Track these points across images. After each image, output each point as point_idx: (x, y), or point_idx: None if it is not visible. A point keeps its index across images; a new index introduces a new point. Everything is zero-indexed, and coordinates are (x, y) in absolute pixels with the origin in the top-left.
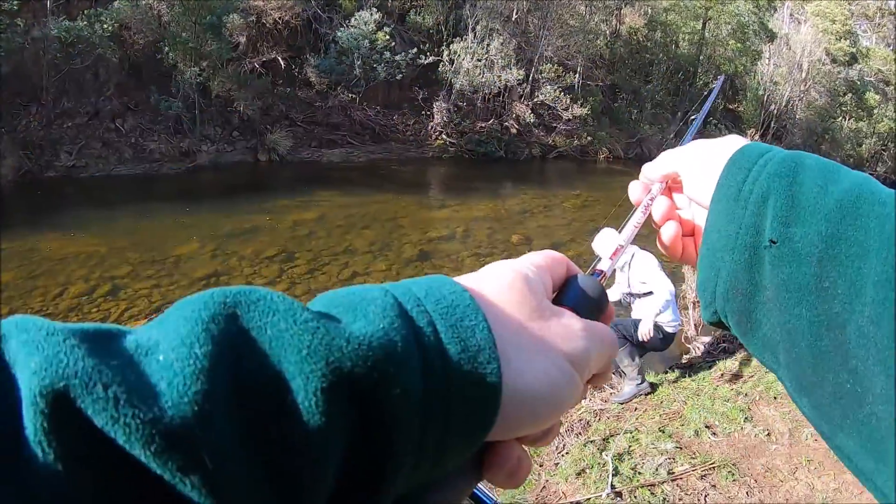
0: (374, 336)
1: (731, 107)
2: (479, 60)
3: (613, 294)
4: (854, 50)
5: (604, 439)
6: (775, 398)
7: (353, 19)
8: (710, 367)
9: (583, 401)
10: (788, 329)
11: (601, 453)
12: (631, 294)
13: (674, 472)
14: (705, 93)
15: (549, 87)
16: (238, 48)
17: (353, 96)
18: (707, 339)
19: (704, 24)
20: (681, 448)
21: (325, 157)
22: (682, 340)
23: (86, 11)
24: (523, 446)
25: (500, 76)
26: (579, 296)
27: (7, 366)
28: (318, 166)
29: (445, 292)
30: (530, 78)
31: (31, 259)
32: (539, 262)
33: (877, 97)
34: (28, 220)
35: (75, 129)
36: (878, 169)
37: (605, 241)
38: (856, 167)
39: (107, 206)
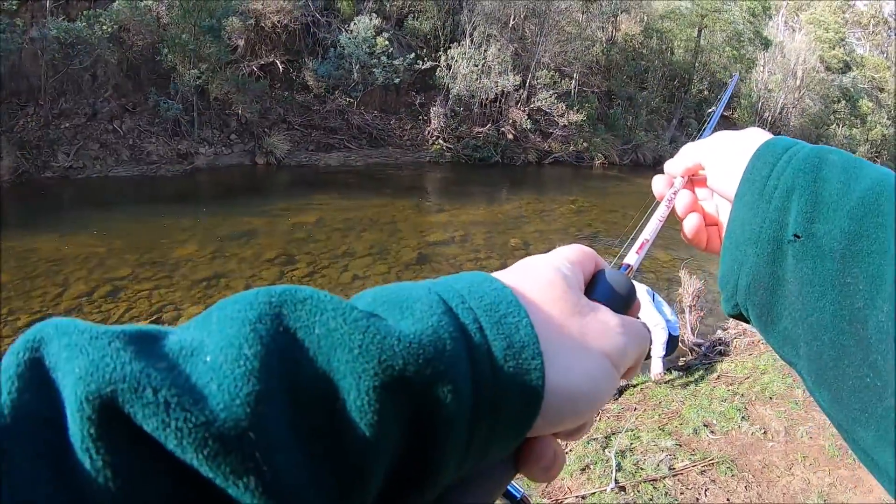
0: (424, 334)
1: (725, 114)
2: (476, 66)
3: None
4: (848, 57)
5: (606, 437)
6: (771, 398)
7: (351, 24)
8: (707, 370)
9: None
10: (810, 323)
11: (604, 450)
12: None
13: (674, 468)
14: (719, 93)
15: (545, 93)
16: (237, 51)
17: (351, 100)
18: (703, 342)
19: (700, 31)
20: (680, 445)
21: (322, 160)
22: (679, 344)
23: (85, 12)
24: (558, 441)
25: (496, 82)
26: (610, 290)
27: (48, 371)
28: (316, 170)
29: (487, 289)
30: (527, 84)
31: (29, 260)
32: (572, 257)
33: (870, 104)
34: (25, 221)
35: (73, 129)
36: None
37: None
38: None
39: (105, 208)
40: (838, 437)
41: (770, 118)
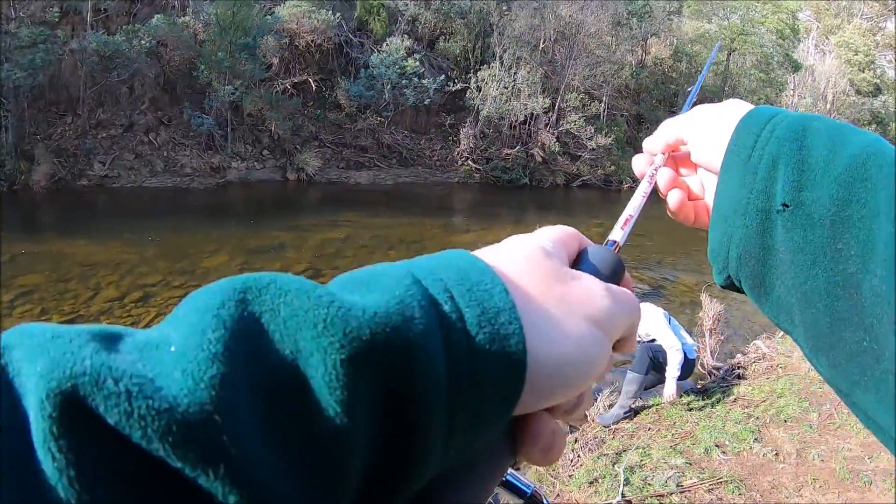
0: (391, 304)
1: None
2: (506, 88)
3: None
4: (878, 80)
5: (616, 454)
6: (785, 421)
7: (384, 45)
8: (724, 392)
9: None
10: (804, 291)
11: (613, 466)
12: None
13: (682, 485)
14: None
15: (574, 115)
16: (271, 69)
17: (382, 120)
18: (722, 365)
19: (729, 54)
20: (691, 464)
21: (352, 178)
22: (698, 367)
23: (124, 27)
24: (556, 420)
25: (526, 104)
26: (596, 262)
27: (10, 377)
28: (346, 187)
29: (459, 262)
30: (556, 106)
31: (62, 263)
32: (554, 235)
33: None
34: (60, 226)
35: (109, 140)
36: None
37: (649, 315)
38: None
39: (138, 217)
40: (850, 460)
41: None
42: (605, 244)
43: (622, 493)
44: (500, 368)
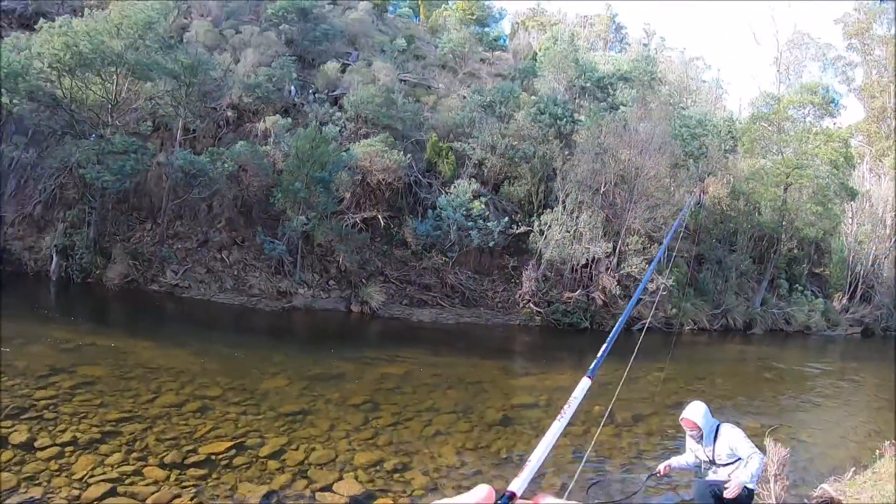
0: None
1: (816, 271)
2: (568, 232)
3: (687, 459)
4: None
5: None
6: None
7: (451, 187)
8: None
9: None
10: None
11: None
12: (713, 463)
13: None
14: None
15: (635, 259)
16: (342, 202)
17: (447, 259)
18: None
19: (786, 189)
20: None
21: (415, 315)
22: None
23: (210, 149)
24: None
25: (587, 248)
26: None
27: None
28: (408, 323)
29: None
30: (617, 249)
31: (126, 361)
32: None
33: None
34: (127, 324)
35: (184, 251)
36: None
37: (697, 411)
38: None
39: (204, 329)
40: None
41: (862, 271)
42: (502, 496)
43: None
44: None
